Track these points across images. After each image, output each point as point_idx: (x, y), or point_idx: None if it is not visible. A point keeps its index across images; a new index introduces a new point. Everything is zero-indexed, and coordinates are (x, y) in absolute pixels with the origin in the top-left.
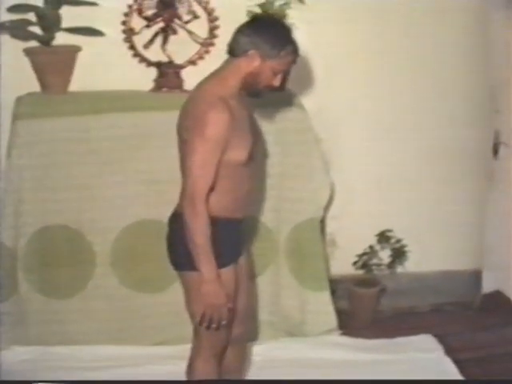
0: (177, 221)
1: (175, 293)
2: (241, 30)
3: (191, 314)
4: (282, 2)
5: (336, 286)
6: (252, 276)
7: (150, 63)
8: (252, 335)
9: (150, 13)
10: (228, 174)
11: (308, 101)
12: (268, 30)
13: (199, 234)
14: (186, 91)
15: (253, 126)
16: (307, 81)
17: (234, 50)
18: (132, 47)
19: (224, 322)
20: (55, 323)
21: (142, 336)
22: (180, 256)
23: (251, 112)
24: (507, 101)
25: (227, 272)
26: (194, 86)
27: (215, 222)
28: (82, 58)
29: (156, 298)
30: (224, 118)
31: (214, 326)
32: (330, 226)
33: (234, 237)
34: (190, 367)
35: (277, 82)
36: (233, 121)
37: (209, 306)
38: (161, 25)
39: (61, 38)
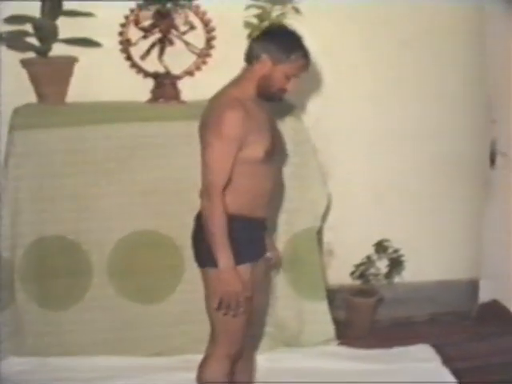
0: (200, 219)
1: (172, 303)
2: (254, 39)
3: (209, 311)
4: (278, 13)
5: (333, 296)
6: (268, 280)
7: (146, 74)
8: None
9: (146, 24)
10: (246, 171)
11: (305, 111)
12: (278, 36)
13: (216, 225)
14: (182, 102)
15: (272, 127)
16: (304, 91)
17: (248, 58)
18: (129, 58)
19: (242, 309)
20: (52, 334)
21: (139, 347)
22: (202, 252)
23: (270, 115)
24: (504, 110)
25: (242, 270)
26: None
27: (233, 220)
28: (78, 69)
29: (153, 308)
30: (238, 116)
31: (232, 312)
32: (328, 236)
33: (252, 235)
34: (202, 366)
35: (289, 87)
36: (248, 119)
37: (225, 292)
38: (158, 36)
39: (58, 49)
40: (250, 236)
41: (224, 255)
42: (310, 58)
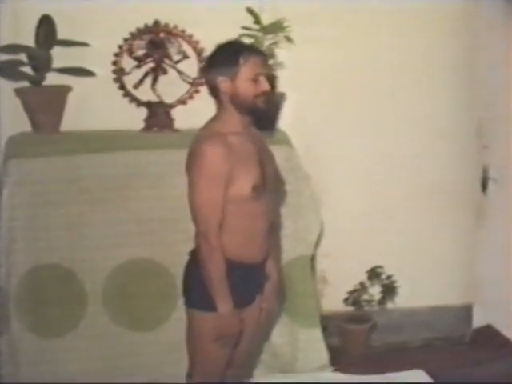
0: (194, 255)
1: (167, 331)
2: (203, 75)
3: (190, 351)
4: (270, 42)
5: (327, 323)
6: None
7: (140, 103)
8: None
9: (140, 53)
10: (234, 211)
11: (297, 139)
12: (216, 54)
13: (214, 269)
14: (176, 130)
15: (263, 161)
16: (296, 119)
17: (212, 92)
18: (122, 87)
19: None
20: (47, 362)
21: (134, 375)
22: (191, 293)
23: (263, 147)
24: (495, 136)
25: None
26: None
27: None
28: (72, 98)
29: (148, 336)
30: (219, 151)
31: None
32: (321, 263)
33: (245, 282)
34: None
35: (263, 86)
36: (231, 153)
37: (223, 335)
38: (151, 65)
39: (52, 78)
40: (243, 282)
41: (224, 300)
42: (261, 50)
